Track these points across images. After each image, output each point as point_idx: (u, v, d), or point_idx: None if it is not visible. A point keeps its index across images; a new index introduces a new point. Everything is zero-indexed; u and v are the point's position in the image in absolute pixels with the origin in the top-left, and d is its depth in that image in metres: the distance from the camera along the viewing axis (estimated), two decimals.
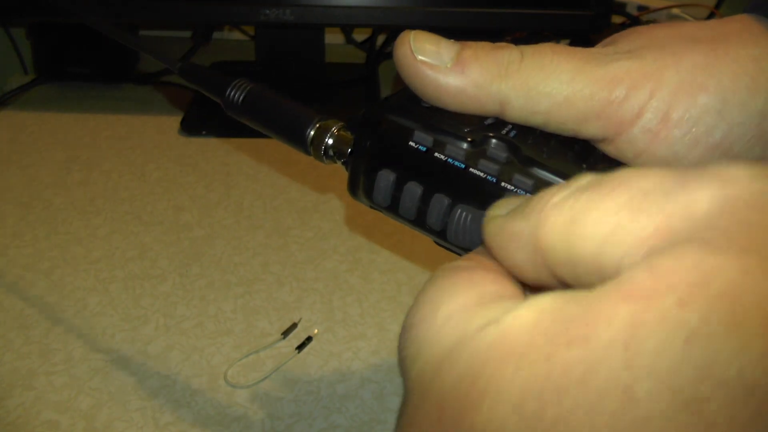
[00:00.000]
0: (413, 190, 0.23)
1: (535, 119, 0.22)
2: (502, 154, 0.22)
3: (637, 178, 0.15)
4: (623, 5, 0.88)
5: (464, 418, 0.14)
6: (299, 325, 0.48)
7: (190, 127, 0.74)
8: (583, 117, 0.22)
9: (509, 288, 0.18)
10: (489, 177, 0.22)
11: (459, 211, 0.22)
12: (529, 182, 0.21)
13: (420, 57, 0.22)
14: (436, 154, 0.22)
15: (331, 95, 0.82)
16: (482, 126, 0.23)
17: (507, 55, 0.22)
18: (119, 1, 0.70)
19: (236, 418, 0.41)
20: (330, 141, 0.26)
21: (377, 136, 0.24)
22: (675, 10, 0.89)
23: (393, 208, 0.24)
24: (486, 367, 0.14)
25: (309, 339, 0.47)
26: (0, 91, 0.80)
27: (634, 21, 0.86)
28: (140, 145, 0.71)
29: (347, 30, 0.93)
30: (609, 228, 0.15)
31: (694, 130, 0.21)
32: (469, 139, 0.22)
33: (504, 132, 0.23)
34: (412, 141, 0.23)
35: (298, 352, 0.46)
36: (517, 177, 0.21)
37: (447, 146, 0.22)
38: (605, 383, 0.12)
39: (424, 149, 0.22)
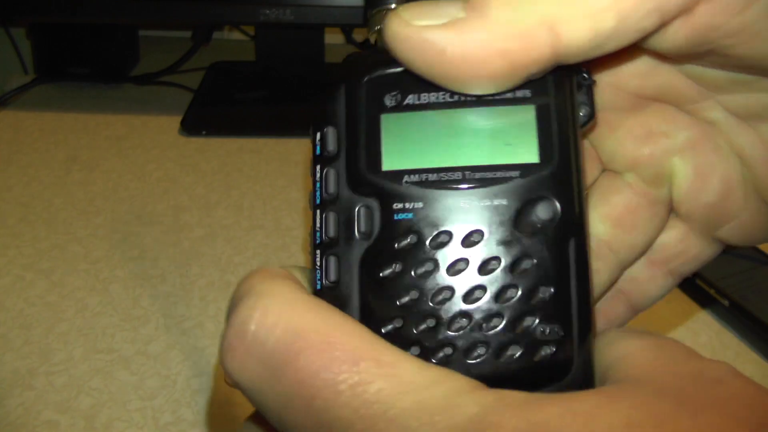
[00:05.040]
0: None
1: (604, 26, 0.17)
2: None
3: None
4: None
5: None
6: None
7: (190, 127, 0.74)
8: None
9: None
10: None
11: None
12: None
13: (418, 22, 0.17)
14: None
15: None
16: None
17: None
18: (120, 1, 0.70)
19: (236, 418, 0.41)
20: None
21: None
22: None
23: None
24: None
25: None
26: (0, 91, 0.80)
27: None
28: (140, 145, 0.71)
29: (347, 30, 0.93)
30: None
31: None
32: None
33: None
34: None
35: None
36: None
37: None
38: None
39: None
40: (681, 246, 0.24)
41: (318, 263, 0.20)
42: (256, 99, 0.80)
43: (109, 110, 0.78)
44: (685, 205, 0.23)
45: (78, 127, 0.74)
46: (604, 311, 0.25)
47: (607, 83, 0.22)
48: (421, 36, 0.17)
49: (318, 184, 0.20)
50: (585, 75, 0.20)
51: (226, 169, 0.67)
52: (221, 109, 0.79)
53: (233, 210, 0.61)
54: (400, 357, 0.16)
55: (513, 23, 0.17)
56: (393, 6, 0.22)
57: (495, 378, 0.17)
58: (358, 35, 0.94)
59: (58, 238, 0.57)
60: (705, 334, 0.49)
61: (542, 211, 0.19)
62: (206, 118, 0.76)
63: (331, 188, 0.20)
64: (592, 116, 0.20)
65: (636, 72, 0.22)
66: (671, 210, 0.24)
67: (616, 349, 0.19)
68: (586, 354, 0.19)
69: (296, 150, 0.71)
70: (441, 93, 0.19)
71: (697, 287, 0.52)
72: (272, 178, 0.66)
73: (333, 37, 0.93)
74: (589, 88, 0.20)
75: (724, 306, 0.50)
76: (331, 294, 0.19)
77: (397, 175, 0.19)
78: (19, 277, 0.52)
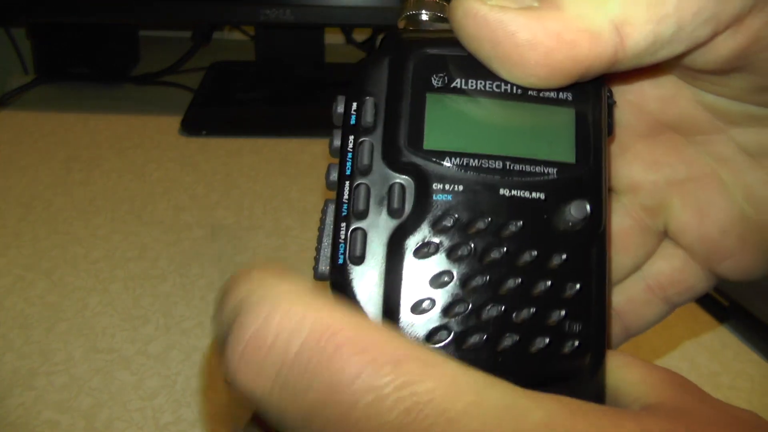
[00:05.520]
0: None
1: (664, 32, 0.17)
2: None
3: None
4: None
5: None
6: None
7: (190, 127, 0.74)
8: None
9: None
10: None
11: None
12: None
13: (493, 1, 0.17)
14: None
15: (331, 95, 0.82)
16: None
17: None
18: (120, 1, 0.70)
19: (237, 417, 0.41)
20: None
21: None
22: None
23: None
24: None
25: None
26: (0, 91, 0.80)
27: None
28: (140, 145, 0.71)
29: (347, 30, 0.93)
30: None
31: None
32: None
33: None
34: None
35: None
36: None
37: None
38: None
39: None
40: (679, 275, 0.24)
41: (343, 236, 0.19)
42: (256, 99, 0.80)
43: (109, 110, 0.78)
44: (684, 237, 0.23)
45: (78, 127, 0.74)
46: None
47: (630, 101, 0.22)
48: (494, 15, 0.17)
49: (350, 155, 0.20)
50: (608, 94, 0.21)
51: (226, 169, 0.67)
52: (221, 109, 0.79)
53: (233, 210, 0.61)
54: (443, 358, 0.15)
55: (584, 18, 0.17)
56: None
57: (519, 368, 0.18)
58: (358, 35, 0.94)
59: (58, 238, 0.57)
60: (705, 334, 0.49)
61: (576, 210, 0.19)
62: (206, 118, 0.76)
63: (365, 160, 0.20)
64: (610, 132, 0.21)
65: (659, 95, 0.22)
66: (666, 239, 0.24)
67: (626, 372, 0.19)
68: (601, 357, 0.19)
69: (296, 150, 0.71)
70: (488, 81, 0.19)
71: None
72: (272, 178, 0.66)
73: (333, 37, 0.93)
74: (611, 107, 0.21)
75: (724, 306, 0.50)
76: (355, 269, 0.19)
77: (439, 155, 0.19)
78: (19, 277, 0.52)
